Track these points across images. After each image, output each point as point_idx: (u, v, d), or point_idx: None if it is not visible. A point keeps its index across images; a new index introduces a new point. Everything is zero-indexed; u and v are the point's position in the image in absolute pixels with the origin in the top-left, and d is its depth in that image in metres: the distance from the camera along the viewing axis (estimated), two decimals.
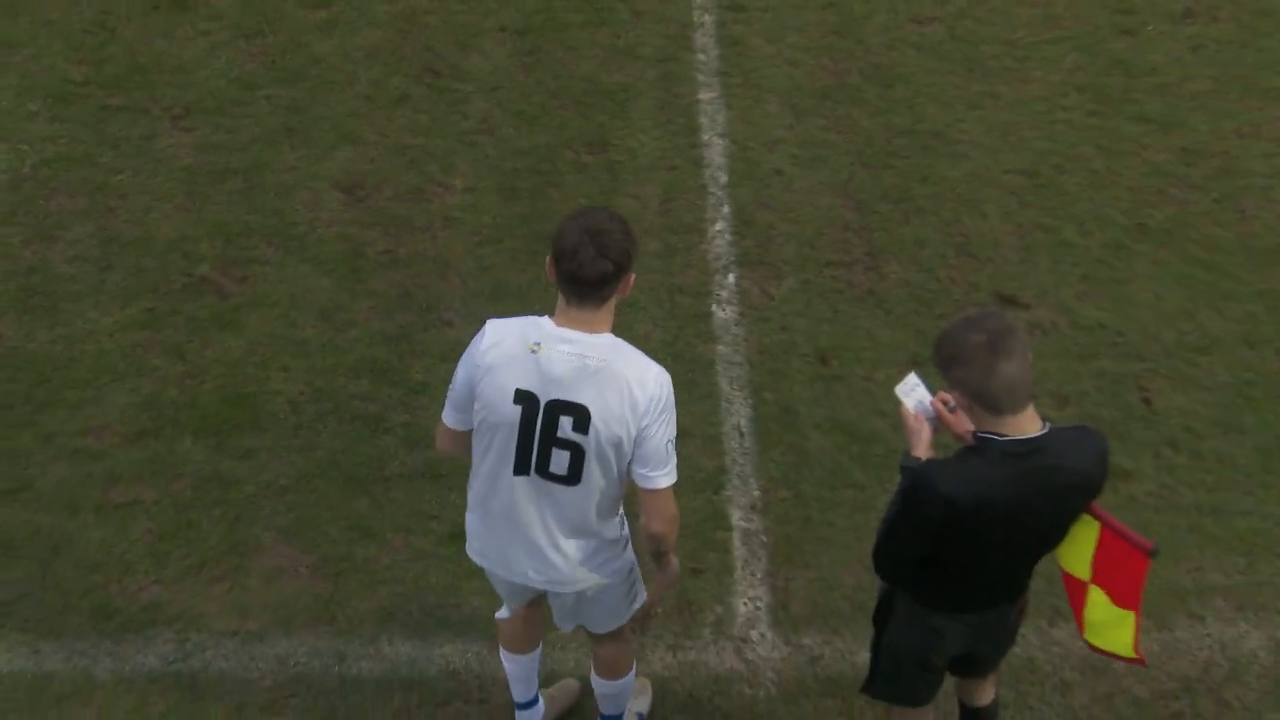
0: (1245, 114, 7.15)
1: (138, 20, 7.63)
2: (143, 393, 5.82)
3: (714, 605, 5.12)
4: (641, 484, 3.81)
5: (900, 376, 3.90)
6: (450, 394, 3.90)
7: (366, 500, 5.44)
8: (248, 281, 6.30)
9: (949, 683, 4.27)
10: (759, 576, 5.21)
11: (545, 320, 3.75)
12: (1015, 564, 3.88)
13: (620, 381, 3.69)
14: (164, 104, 7.18)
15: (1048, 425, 3.64)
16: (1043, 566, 3.87)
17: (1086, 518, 3.78)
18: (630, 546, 4.08)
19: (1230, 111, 7.16)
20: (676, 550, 4.03)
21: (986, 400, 3.57)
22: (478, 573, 4.88)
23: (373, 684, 4.88)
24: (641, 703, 4.77)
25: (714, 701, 4.85)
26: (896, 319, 6.13)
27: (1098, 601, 3.86)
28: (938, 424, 3.79)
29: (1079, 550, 3.82)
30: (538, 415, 3.72)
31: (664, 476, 3.79)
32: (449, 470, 5.47)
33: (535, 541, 3.91)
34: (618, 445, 3.72)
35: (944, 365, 3.62)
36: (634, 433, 3.71)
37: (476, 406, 3.81)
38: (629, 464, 3.79)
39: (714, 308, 6.19)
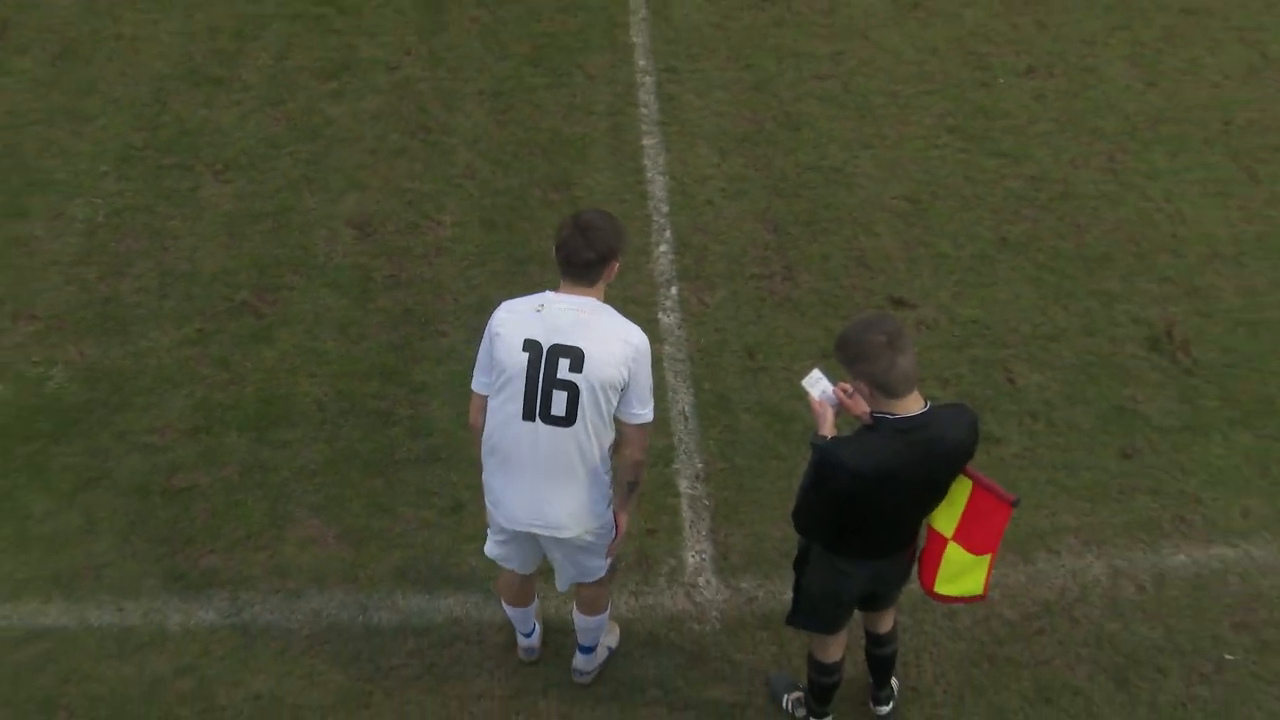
0: (1078, 148, 7.19)
1: (184, 94, 7.54)
2: (196, 397, 5.75)
3: (667, 558, 5.12)
4: (628, 420, 3.88)
5: (805, 372, 3.92)
6: (477, 362, 3.94)
7: (381, 480, 5.40)
8: (278, 304, 6.23)
9: (858, 615, 4.31)
10: (703, 534, 5.21)
11: (549, 291, 3.87)
12: (907, 518, 3.91)
13: (609, 332, 3.79)
14: (206, 161, 7.08)
15: (929, 404, 3.67)
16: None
17: (962, 477, 3.81)
18: (611, 509, 4.07)
19: (1066, 146, 7.20)
20: (633, 514, 4.02)
21: (886, 388, 3.59)
22: (475, 537, 4.89)
23: (390, 630, 4.86)
24: (611, 639, 4.78)
25: (669, 637, 4.86)
26: (809, 319, 6.14)
27: (953, 557, 3.89)
28: (839, 408, 3.81)
29: (951, 507, 3.85)
30: (541, 359, 3.76)
31: (647, 413, 3.89)
32: (448, 455, 5.45)
33: (535, 485, 3.90)
34: (606, 386, 3.76)
35: (849, 362, 3.63)
36: (624, 375, 3.78)
37: (494, 363, 3.84)
38: (618, 405, 3.83)
39: (660, 314, 6.17)
